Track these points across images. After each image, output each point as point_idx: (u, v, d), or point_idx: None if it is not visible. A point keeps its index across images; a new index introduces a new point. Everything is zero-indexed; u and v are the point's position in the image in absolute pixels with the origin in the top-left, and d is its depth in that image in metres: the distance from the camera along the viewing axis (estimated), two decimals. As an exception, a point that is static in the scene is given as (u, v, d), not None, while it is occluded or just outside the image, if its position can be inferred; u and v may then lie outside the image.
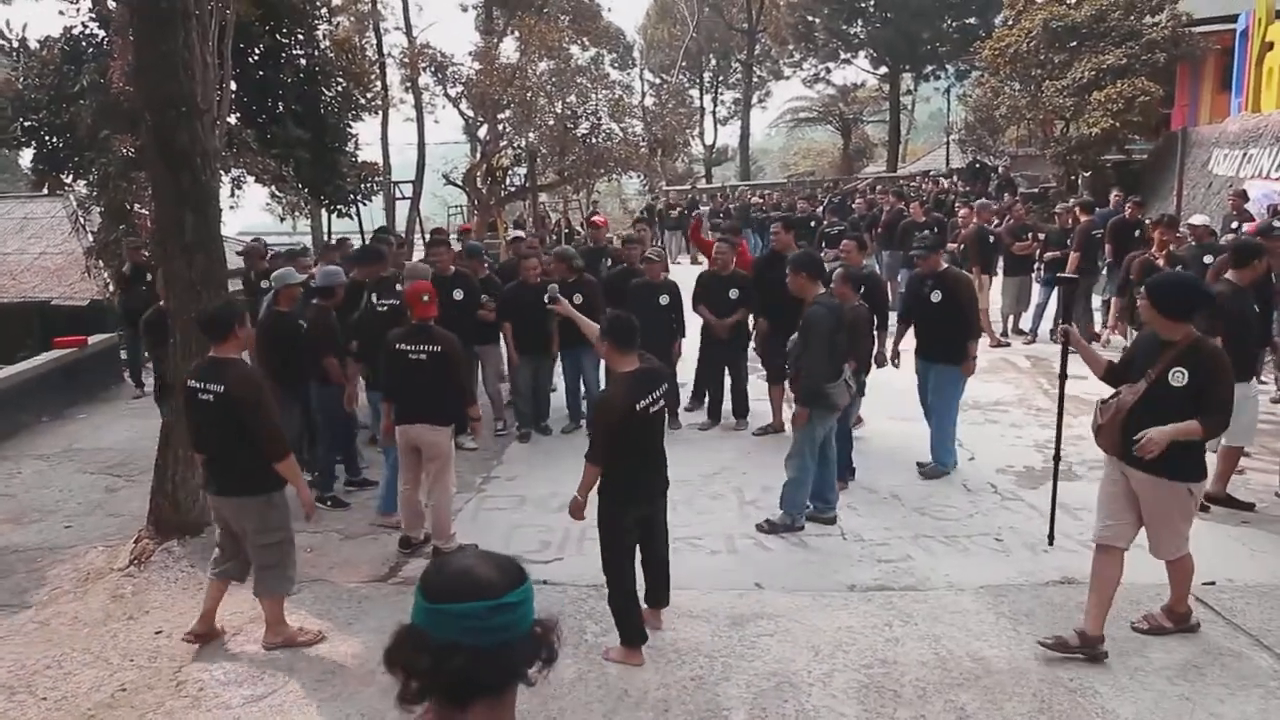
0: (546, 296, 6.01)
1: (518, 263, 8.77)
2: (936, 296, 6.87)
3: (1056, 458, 5.63)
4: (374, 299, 7.07)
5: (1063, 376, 5.58)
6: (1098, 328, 10.67)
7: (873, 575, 5.45)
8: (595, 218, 12.54)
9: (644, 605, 4.73)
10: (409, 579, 5.69)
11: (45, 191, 15.64)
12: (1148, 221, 10.57)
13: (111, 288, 12.88)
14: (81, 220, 13.34)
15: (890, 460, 7.34)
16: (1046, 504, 6.32)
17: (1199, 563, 4.63)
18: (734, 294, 8.12)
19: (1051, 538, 5.72)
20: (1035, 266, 11.79)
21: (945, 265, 7.10)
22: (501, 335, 8.30)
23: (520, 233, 13.08)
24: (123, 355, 12.38)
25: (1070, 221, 11.36)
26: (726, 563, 5.71)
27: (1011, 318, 11.86)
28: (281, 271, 7.01)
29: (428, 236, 11.69)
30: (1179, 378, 4.17)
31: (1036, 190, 21.23)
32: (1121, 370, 4.59)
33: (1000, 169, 22.97)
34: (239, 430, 4.55)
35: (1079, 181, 18.95)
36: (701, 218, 16.05)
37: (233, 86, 10.39)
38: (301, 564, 5.84)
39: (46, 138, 12.23)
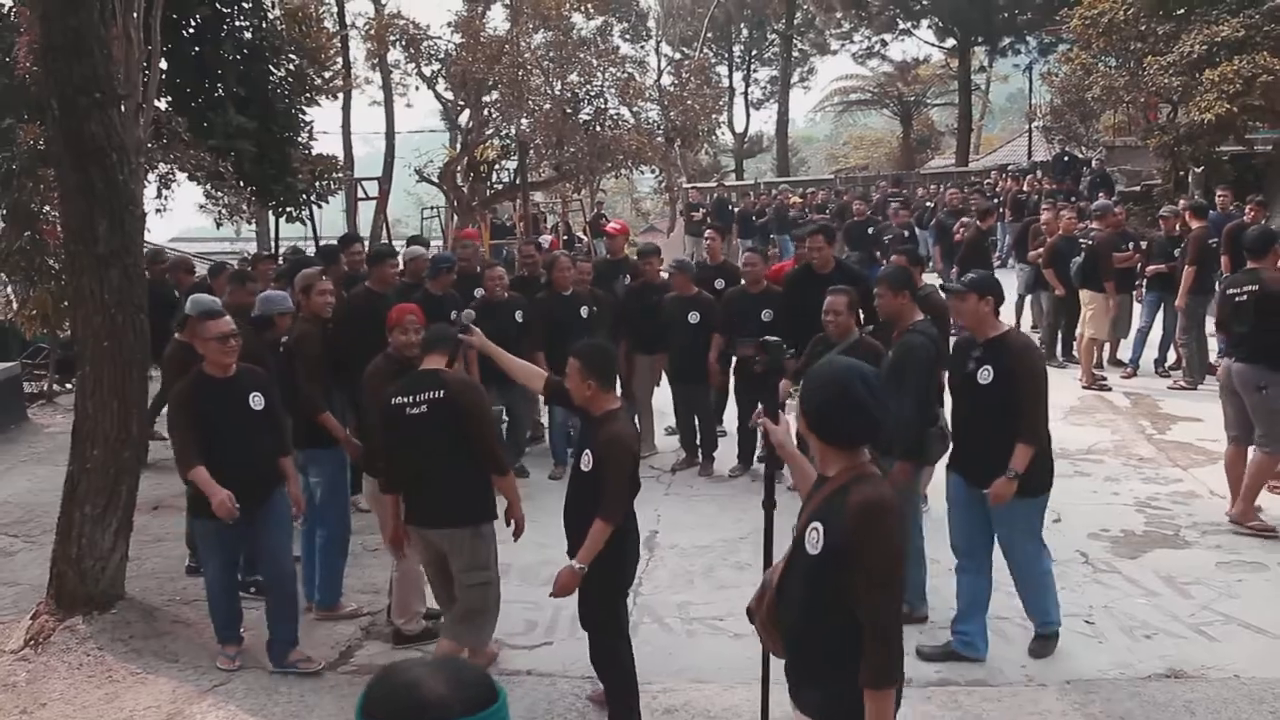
0: (459, 325, 5.58)
1: (550, 271, 8.99)
2: (986, 375, 5.25)
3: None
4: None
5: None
6: (1214, 357, 10.60)
7: (934, 667, 5.38)
8: (610, 225, 12.59)
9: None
10: (364, 667, 5.68)
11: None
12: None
13: (16, 306, 12.97)
14: (-20, 225, 13.42)
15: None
16: (1148, 578, 6.28)
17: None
18: (767, 315, 8.13)
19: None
20: (1137, 283, 11.73)
21: (1003, 327, 5.42)
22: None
23: (539, 239, 13.24)
24: (26, 388, 12.45)
25: (1178, 227, 11.30)
26: (754, 649, 5.61)
27: (1108, 346, 11.80)
28: (273, 295, 6.97)
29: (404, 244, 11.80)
30: None
31: (1138, 188, 21.21)
32: None
33: (1093, 162, 22.95)
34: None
35: (1189, 178, 18.88)
36: None
37: (162, 66, 10.52)
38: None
39: (-59, 127, 12.38)
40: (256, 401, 5.49)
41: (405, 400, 5.03)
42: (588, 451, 4.53)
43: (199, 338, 5.49)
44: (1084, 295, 11.18)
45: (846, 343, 6.36)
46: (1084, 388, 10.91)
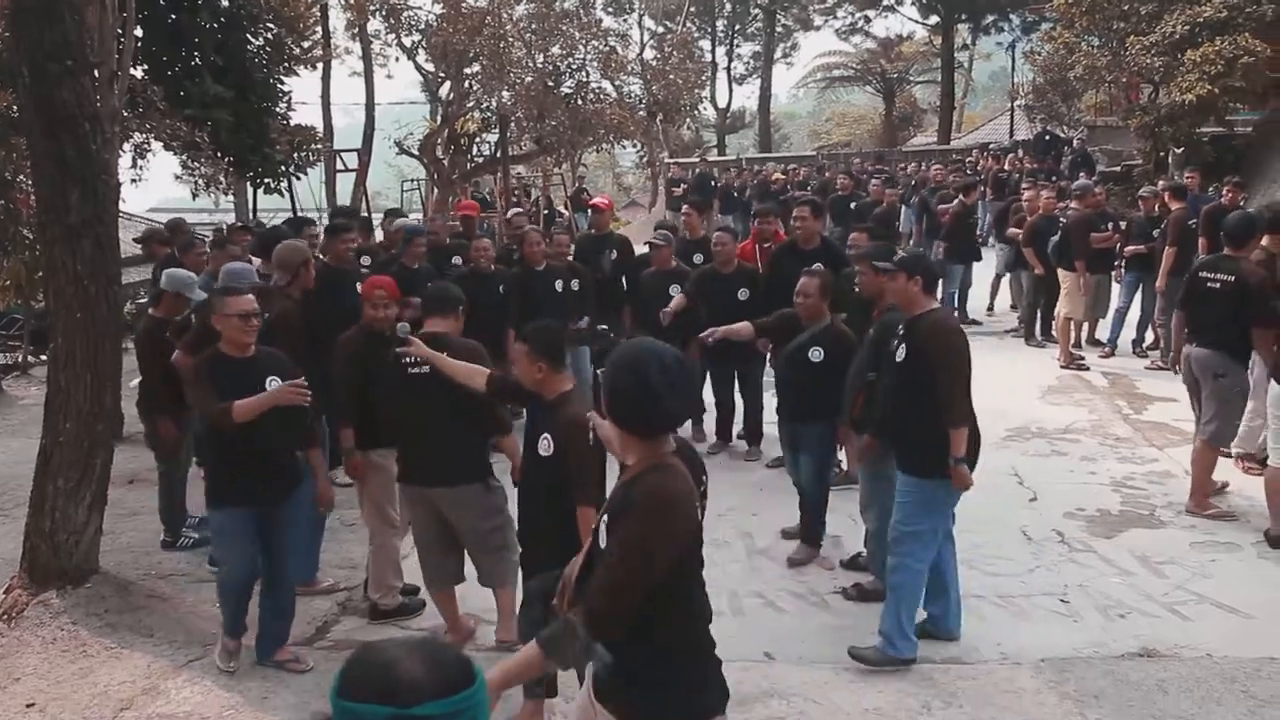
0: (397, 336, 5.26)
1: (520, 246, 8.95)
2: (901, 353, 5.23)
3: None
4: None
5: None
6: None
7: (909, 644, 5.39)
8: (597, 199, 12.55)
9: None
10: (341, 642, 5.66)
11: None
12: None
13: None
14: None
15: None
16: (1123, 557, 6.32)
17: None
18: (743, 294, 8.08)
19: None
20: (1115, 263, 11.76)
21: (928, 306, 5.24)
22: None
23: (520, 210, 13.18)
24: (1, 359, 12.34)
25: (1157, 208, 11.33)
26: (730, 627, 5.64)
27: (1086, 325, 11.85)
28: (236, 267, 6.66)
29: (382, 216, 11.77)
30: None
31: (1118, 168, 21.26)
32: None
33: (1075, 142, 22.99)
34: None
35: (1169, 159, 18.94)
36: None
37: (138, 33, 10.38)
38: (207, 621, 5.85)
39: (-88, 93, 12.18)
40: (274, 386, 5.02)
41: (408, 360, 5.10)
42: (547, 436, 4.35)
43: (217, 314, 5.08)
44: (1061, 275, 11.19)
45: (817, 327, 6.33)
46: (1062, 367, 10.95)
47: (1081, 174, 19.06)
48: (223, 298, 5.13)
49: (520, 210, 12.72)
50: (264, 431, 4.93)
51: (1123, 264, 11.62)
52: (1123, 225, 11.88)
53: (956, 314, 13.26)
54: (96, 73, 6.39)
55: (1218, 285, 7.02)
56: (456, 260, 8.75)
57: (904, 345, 5.14)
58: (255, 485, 5.04)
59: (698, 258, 9.04)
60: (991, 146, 25.77)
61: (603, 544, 2.79)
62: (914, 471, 5.11)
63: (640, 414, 2.78)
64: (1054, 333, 11.73)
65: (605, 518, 2.84)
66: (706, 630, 3.04)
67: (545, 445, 4.37)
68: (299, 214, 15.89)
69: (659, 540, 2.72)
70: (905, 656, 5.10)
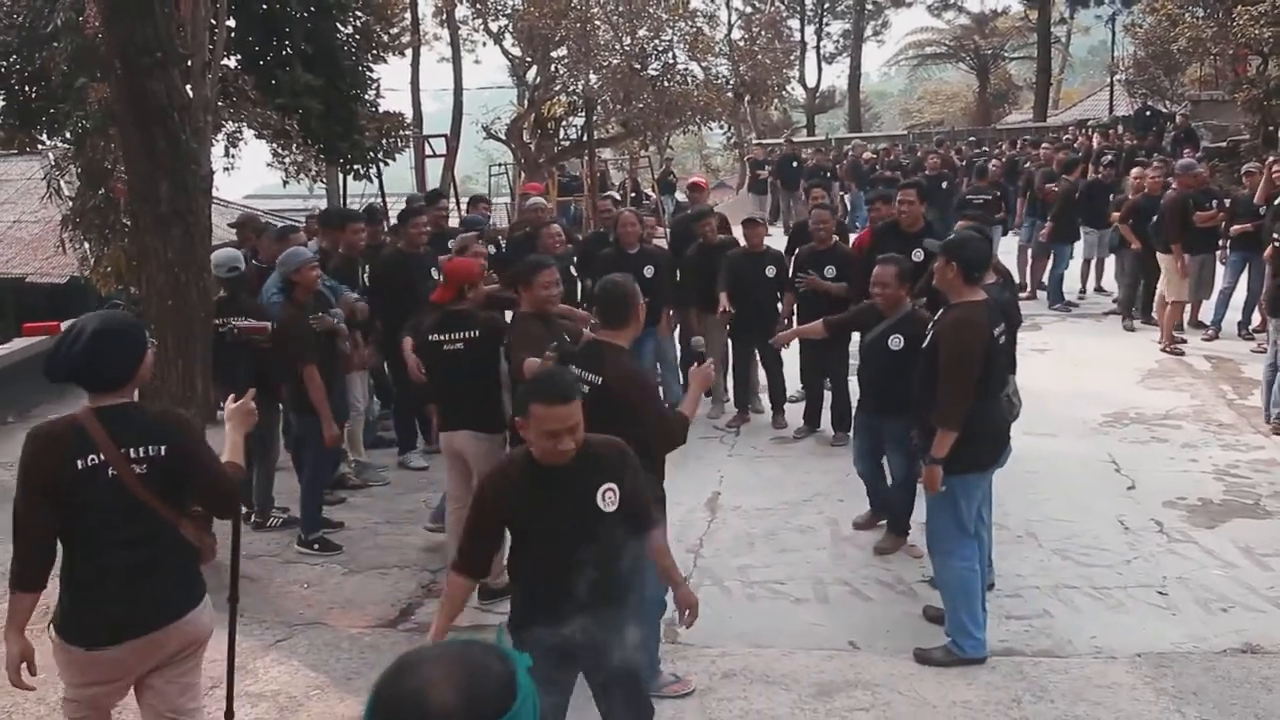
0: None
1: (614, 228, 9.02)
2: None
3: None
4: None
5: None
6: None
7: (999, 636, 5.26)
8: (695, 178, 12.63)
9: None
10: (425, 624, 5.70)
11: (16, 150, 16.12)
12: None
13: (92, 263, 13.21)
14: (57, 184, 13.65)
15: (1023, 487, 7.11)
16: (1226, 549, 6.11)
17: None
18: (830, 272, 8.15)
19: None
20: (1220, 243, 11.35)
21: (962, 297, 5.01)
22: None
23: (615, 194, 13.26)
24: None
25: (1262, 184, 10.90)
26: (815, 614, 5.60)
27: (1189, 307, 11.46)
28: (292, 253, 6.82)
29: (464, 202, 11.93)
30: None
31: (1224, 144, 20.60)
32: None
33: (1178, 117, 22.30)
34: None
35: (1278, 133, 18.27)
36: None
37: (230, 24, 10.56)
38: (295, 602, 5.97)
39: (17, 87, 12.56)
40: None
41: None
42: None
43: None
44: (1160, 257, 10.85)
45: (897, 315, 6.17)
46: (1162, 350, 10.60)
47: (1185, 150, 18.50)
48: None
49: (614, 195, 12.82)
50: None
51: (1228, 243, 11.21)
52: (1227, 203, 11.45)
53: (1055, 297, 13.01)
54: (190, 64, 6.51)
55: None
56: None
57: (931, 334, 5.03)
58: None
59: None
60: (1090, 123, 25.10)
61: None
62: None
63: None
64: (1154, 315, 11.38)
65: None
66: None
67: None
68: (373, 202, 16.19)
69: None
70: (972, 656, 4.97)
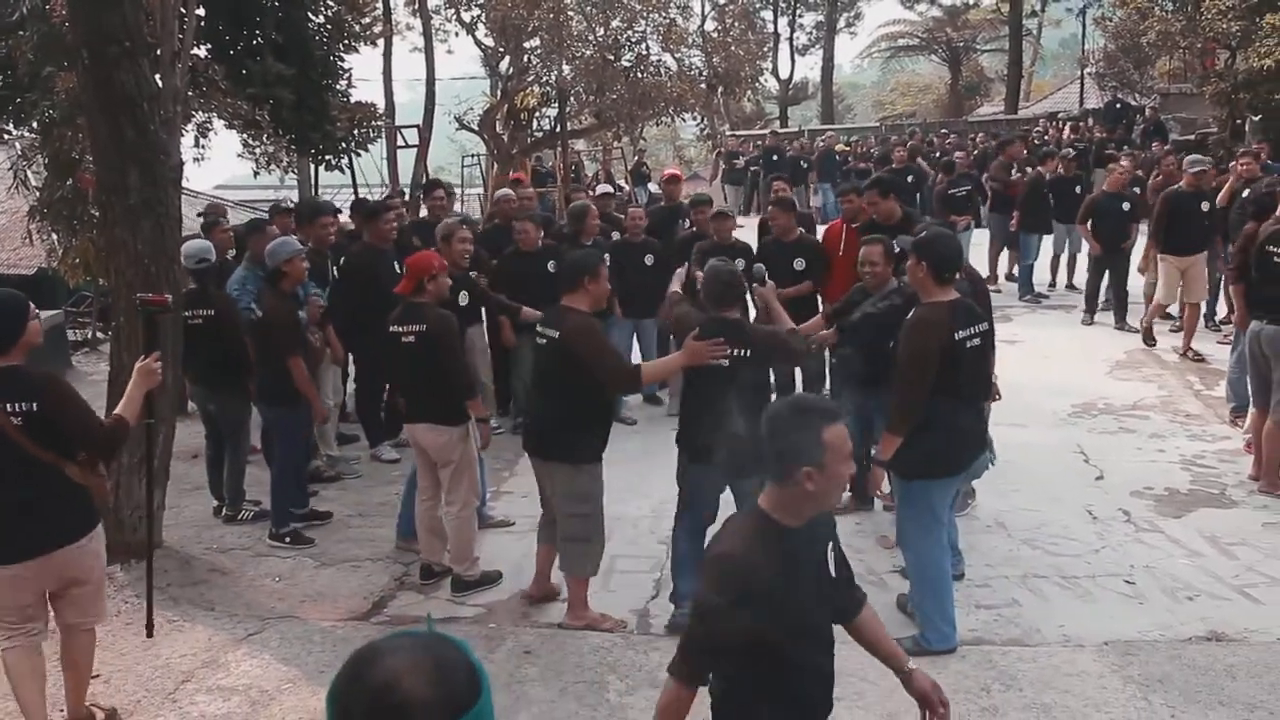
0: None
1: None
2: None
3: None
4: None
5: None
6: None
7: (968, 625, 5.33)
8: (671, 169, 12.58)
9: None
10: (398, 617, 5.73)
11: (-18, 140, 15.91)
12: None
13: (60, 254, 13.07)
14: (24, 174, 13.48)
15: (993, 477, 7.14)
16: (1192, 538, 6.19)
17: None
18: (799, 264, 8.15)
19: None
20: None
21: (932, 296, 5.05)
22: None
23: (609, 188, 13.21)
24: (70, 336, 12.60)
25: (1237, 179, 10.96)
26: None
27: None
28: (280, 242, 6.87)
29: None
30: None
31: (1193, 137, 20.74)
32: None
33: (1147, 110, 22.46)
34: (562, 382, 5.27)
35: (1246, 126, 18.43)
36: None
37: (199, 13, 10.46)
38: (267, 596, 5.95)
39: (-17, 75, 12.40)
40: None
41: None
42: None
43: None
44: (1159, 260, 10.48)
45: (884, 291, 6.19)
46: (1180, 356, 10.18)
47: (1155, 143, 18.64)
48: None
49: (609, 189, 12.76)
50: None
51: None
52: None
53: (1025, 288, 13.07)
54: (159, 53, 6.44)
55: None
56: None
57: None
58: None
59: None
60: (1060, 115, 25.24)
61: None
62: (893, 467, 5.08)
63: None
64: (1131, 320, 11.33)
65: None
66: None
67: None
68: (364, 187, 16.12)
69: None
70: (938, 648, 4.99)
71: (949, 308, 4.86)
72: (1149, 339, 10.63)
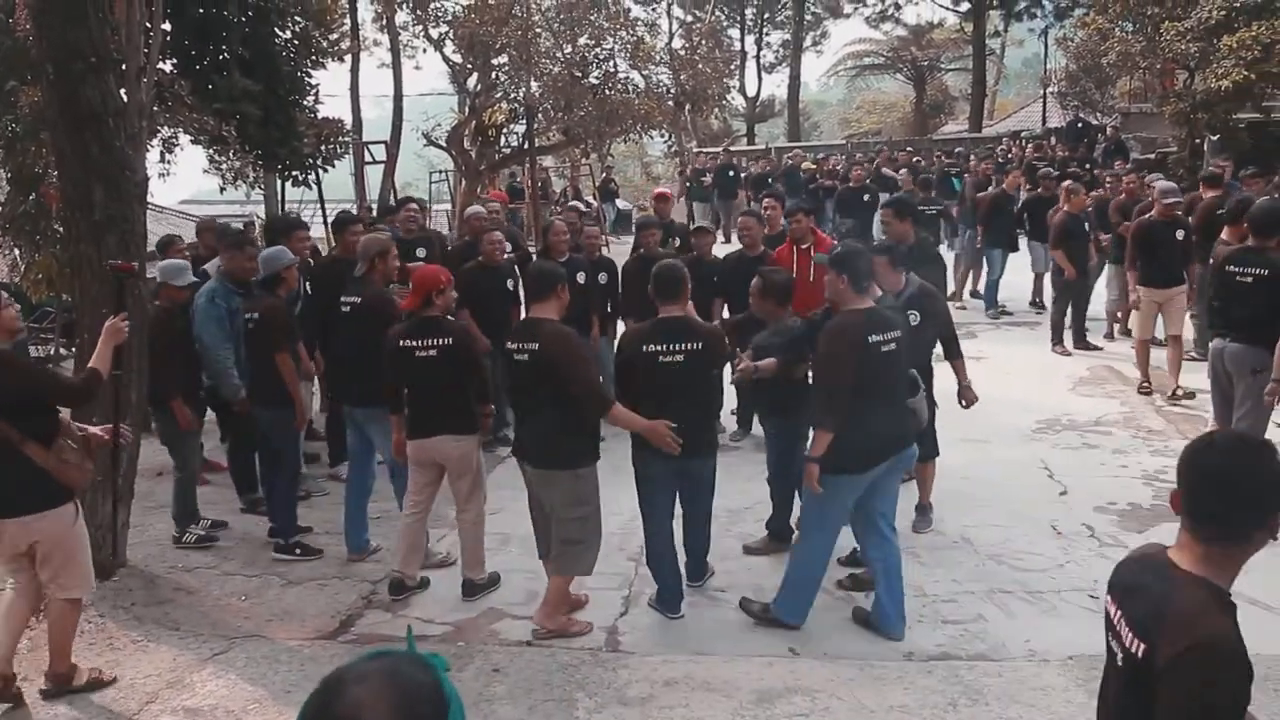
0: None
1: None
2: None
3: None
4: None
5: None
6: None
7: (935, 640, 5.36)
8: (661, 188, 12.63)
9: None
10: (365, 636, 5.68)
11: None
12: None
13: (22, 270, 12.94)
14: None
15: (958, 493, 7.22)
16: (1155, 553, 6.22)
17: None
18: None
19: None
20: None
21: (846, 305, 5.45)
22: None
23: (580, 204, 13.16)
24: (32, 351, 12.45)
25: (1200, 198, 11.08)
26: (755, 621, 5.64)
27: (1119, 315, 11.68)
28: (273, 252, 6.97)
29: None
30: None
31: (1153, 156, 21.02)
32: None
33: (1108, 129, 22.75)
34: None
35: (1204, 146, 18.70)
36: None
37: (166, 28, 10.41)
38: (233, 615, 5.89)
39: (-55, 90, 12.28)
40: None
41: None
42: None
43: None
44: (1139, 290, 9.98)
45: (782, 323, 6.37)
46: (1168, 397, 9.58)
47: (1116, 162, 18.89)
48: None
49: (580, 206, 12.78)
50: None
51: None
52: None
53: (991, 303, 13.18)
54: (124, 68, 6.40)
55: (1250, 279, 6.86)
56: (421, 251, 8.77)
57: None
58: None
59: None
60: (1023, 134, 25.53)
61: None
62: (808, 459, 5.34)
63: None
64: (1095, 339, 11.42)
65: None
66: None
67: None
68: (331, 203, 16.02)
69: None
70: (788, 622, 5.47)
71: (864, 314, 5.25)
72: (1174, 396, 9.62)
